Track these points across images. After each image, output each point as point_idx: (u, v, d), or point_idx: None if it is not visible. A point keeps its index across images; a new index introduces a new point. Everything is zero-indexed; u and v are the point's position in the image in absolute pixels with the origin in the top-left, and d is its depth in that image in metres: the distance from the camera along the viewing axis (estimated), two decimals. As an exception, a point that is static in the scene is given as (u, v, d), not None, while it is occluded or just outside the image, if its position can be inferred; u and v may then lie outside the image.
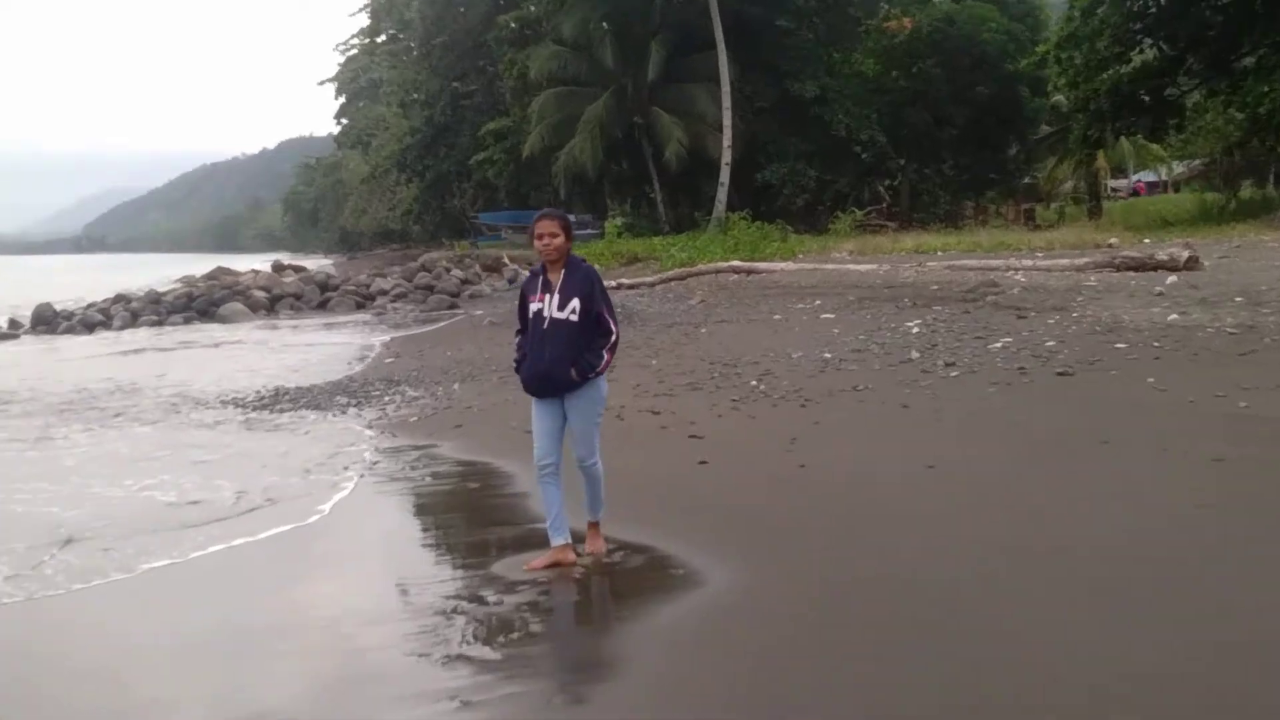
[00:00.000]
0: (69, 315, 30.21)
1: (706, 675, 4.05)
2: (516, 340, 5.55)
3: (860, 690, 3.81)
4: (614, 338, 5.33)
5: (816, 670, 4.01)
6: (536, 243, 5.29)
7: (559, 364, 5.21)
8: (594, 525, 5.52)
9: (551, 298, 5.25)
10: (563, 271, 5.27)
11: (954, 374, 9.92)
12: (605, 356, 5.28)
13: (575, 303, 5.20)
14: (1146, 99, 29.69)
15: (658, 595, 4.91)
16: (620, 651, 4.38)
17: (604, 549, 5.46)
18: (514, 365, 5.59)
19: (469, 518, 6.69)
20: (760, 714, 3.69)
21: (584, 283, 5.26)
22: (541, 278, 5.34)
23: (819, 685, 3.87)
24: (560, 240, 5.25)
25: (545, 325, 5.26)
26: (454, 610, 4.91)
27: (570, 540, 5.37)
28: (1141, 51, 30.12)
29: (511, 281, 34.72)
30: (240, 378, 14.89)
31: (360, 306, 31.13)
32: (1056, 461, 6.72)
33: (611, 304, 5.40)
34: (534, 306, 5.33)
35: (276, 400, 12.22)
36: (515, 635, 4.59)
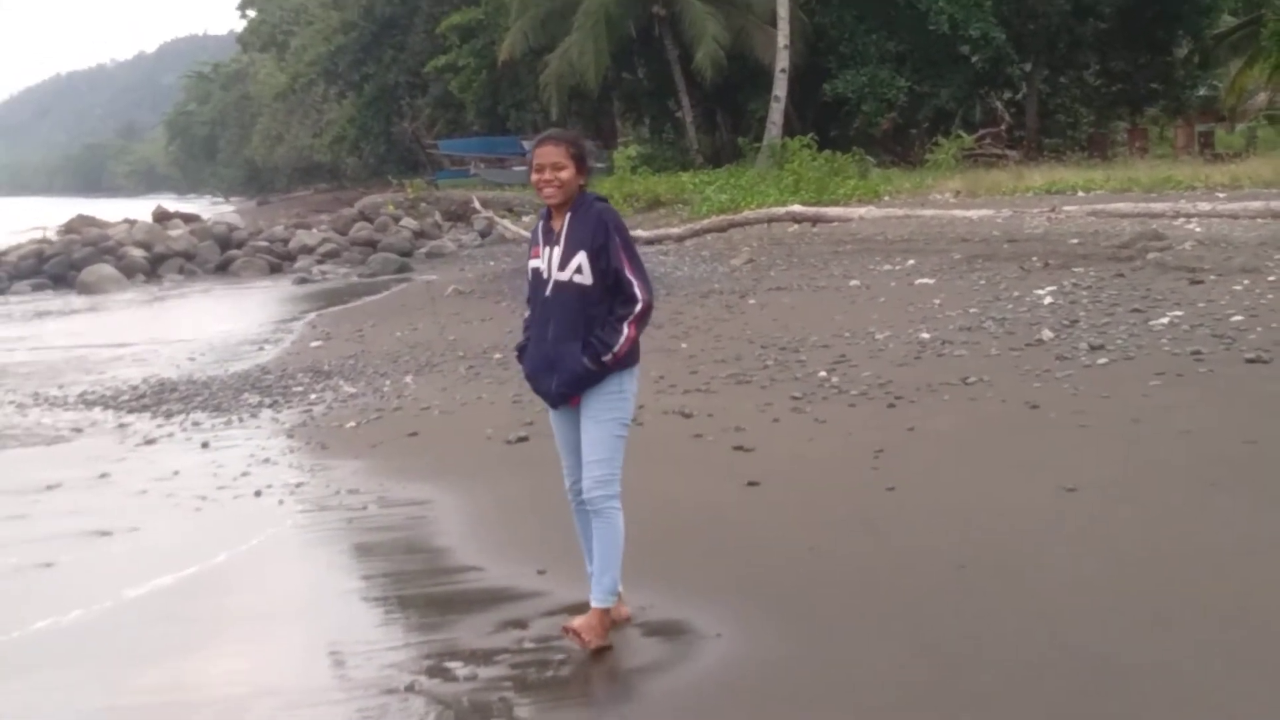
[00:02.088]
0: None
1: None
2: (526, 316, 5.46)
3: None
4: (639, 307, 5.10)
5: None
6: (534, 177, 5.16)
7: (564, 346, 5.09)
8: (598, 611, 5.15)
9: (553, 252, 5.16)
10: (568, 216, 5.16)
11: (1102, 361, 9.86)
12: (627, 331, 5.06)
13: (581, 258, 5.08)
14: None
15: (682, 665, 4.89)
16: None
17: (594, 638, 5.08)
18: (516, 351, 5.55)
19: (427, 562, 6.66)
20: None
21: (594, 229, 5.10)
22: (543, 224, 5.29)
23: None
24: (568, 173, 5.09)
25: (546, 292, 5.19)
26: (409, 688, 4.90)
27: (619, 590, 5.24)
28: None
29: (484, 235, 34.76)
30: (112, 368, 14.94)
31: (275, 269, 31.29)
32: (1250, 486, 6.66)
33: (638, 258, 5.20)
34: (534, 264, 5.28)
35: (161, 399, 12.25)
36: (494, 724, 4.59)
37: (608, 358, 5.03)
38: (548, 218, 5.26)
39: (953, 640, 4.96)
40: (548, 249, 5.18)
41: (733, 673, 4.85)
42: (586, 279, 5.06)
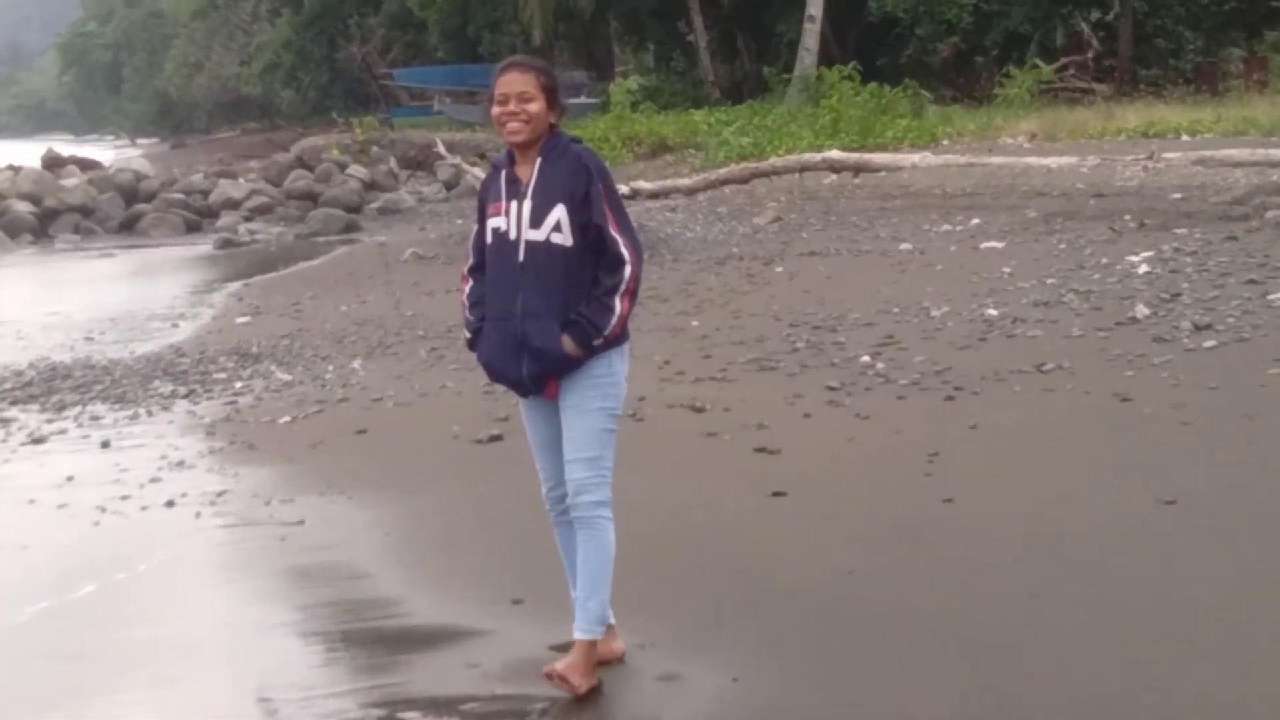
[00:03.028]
0: None
1: None
2: (467, 285, 5.38)
3: None
4: (629, 272, 5.02)
5: None
6: (496, 110, 5.07)
7: (537, 322, 5.01)
8: (583, 643, 5.11)
9: (521, 207, 5.07)
10: (538, 161, 5.09)
11: (1209, 344, 9.86)
12: (619, 307, 5.01)
13: (560, 212, 4.99)
14: None
15: (692, 716, 4.89)
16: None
17: (579, 681, 5.03)
18: (465, 332, 5.44)
19: (378, 589, 6.62)
20: None
21: (572, 175, 5.04)
22: (505, 173, 5.20)
23: None
24: (537, 106, 5.01)
25: (515, 255, 5.08)
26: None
27: (611, 620, 5.21)
28: None
29: (450, 187, 34.75)
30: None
31: (194, 228, 31.34)
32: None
33: (625, 213, 5.15)
34: (493, 223, 5.17)
35: (52, 388, 12.26)
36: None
37: (598, 341, 4.98)
38: (510, 164, 5.17)
39: (1020, 682, 4.96)
40: (512, 204, 5.07)
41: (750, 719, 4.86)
42: (567, 239, 4.98)
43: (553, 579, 5.39)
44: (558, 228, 4.97)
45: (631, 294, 5.04)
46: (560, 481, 5.16)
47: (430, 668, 5.50)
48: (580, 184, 4.99)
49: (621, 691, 5.17)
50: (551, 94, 5.06)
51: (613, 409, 5.14)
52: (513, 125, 5.00)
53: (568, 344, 4.95)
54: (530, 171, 5.06)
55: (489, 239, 5.17)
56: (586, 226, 4.99)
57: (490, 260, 5.19)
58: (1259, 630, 5.25)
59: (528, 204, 5.02)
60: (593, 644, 5.10)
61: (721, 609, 5.86)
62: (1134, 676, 4.94)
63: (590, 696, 5.03)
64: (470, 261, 5.37)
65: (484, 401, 9.87)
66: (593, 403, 5.06)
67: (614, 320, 4.98)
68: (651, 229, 20.26)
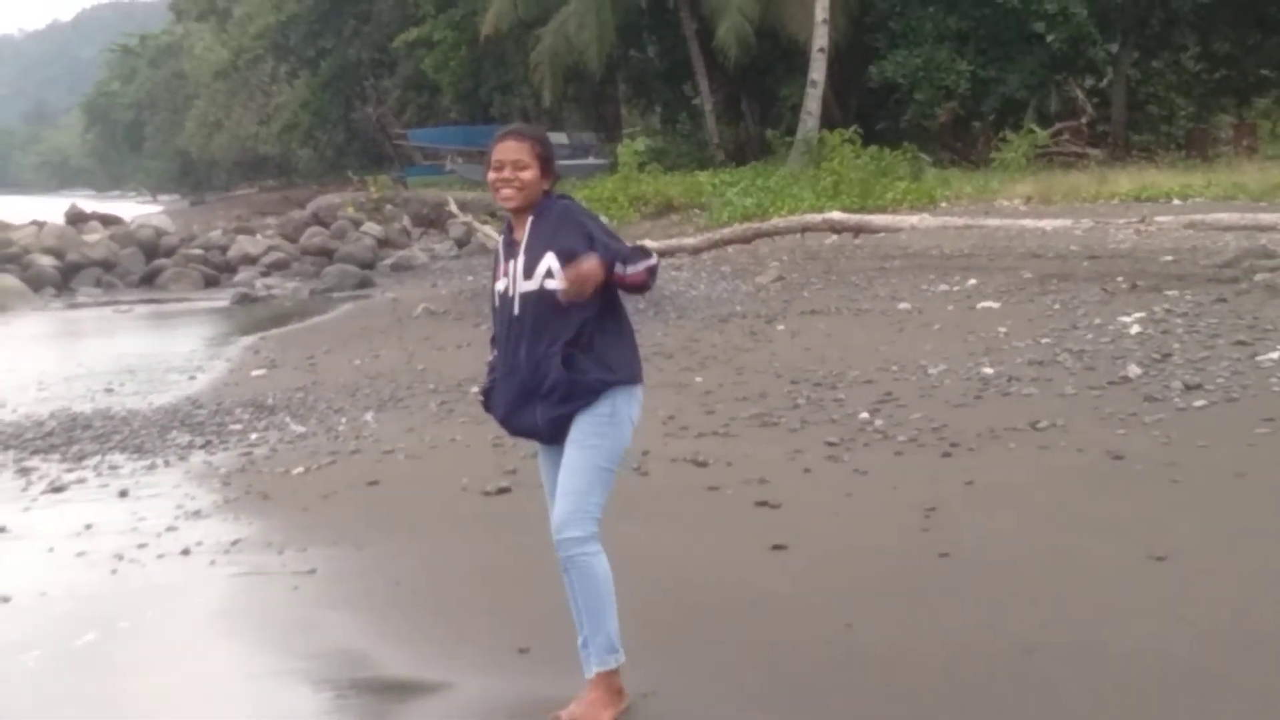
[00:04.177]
0: None
1: None
2: (490, 358, 5.42)
3: None
4: (654, 259, 5.04)
5: None
6: (491, 176, 5.15)
7: (543, 363, 5.03)
8: (601, 676, 5.11)
9: (516, 264, 5.15)
10: (529, 221, 5.15)
11: (1199, 404, 9.86)
12: (642, 265, 4.96)
13: (550, 259, 5.01)
14: None
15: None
16: None
17: (606, 715, 5.04)
18: (480, 395, 5.48)
19: (388, 638, 6.59)
20: None
21: (558, 224, 5.09)
22: (505, 238, 5.31)
23: None
24: (530, 174, 5.10)
25: (512, 310, 5.14)
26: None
27: (618, 663, 5.15)
28: None
29: (462, 244, 34.83)
30: (13, 399, 14.96)
31: (212, 283, 31.41)
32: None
33: (617, 240, 5.10)
34: (497, 287, 5.26)
35: (72, 438, 12.26)
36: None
37: (619, 269, 4.93)
38: (509, 231, 5.26)
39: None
40: (510, 263, 5.17)
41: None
42: (560, 283, 4.94)
43: (559, 628, 5.37)
44: (549, 274, 5.00)
45: (652, 273, 5.01)
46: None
47: (438, 715, 5.49)
48: (567, 231, 5.05)
49: (624, 737, 5.17)
50: (546, 162, 5.14)
51: (611, 449, 5.09)
52: (506, 191, 5.09)
53: (590, 260, 4.87)
54: (524, 231, 5.14)
55: (496, 302, 5.25)
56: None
57: (496, 321, 5.27)
58: (1247, 686, 5.25)
59: (521, 260, 5.10)
60: (611, 674, 5.08)
61: (724, 659, 5.84)
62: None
63: None
64: (492, 330, 5.41)
65: (493, 455, 9.87)
66: (590, 439, 5.04)
67: (641, 265, 4.97)
68: (657, 287, 20.22)
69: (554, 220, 5.10)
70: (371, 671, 6.09)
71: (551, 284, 4.99)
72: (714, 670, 5.72)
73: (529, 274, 5.07)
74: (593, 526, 5.03)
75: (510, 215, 5.22)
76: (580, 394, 5.02)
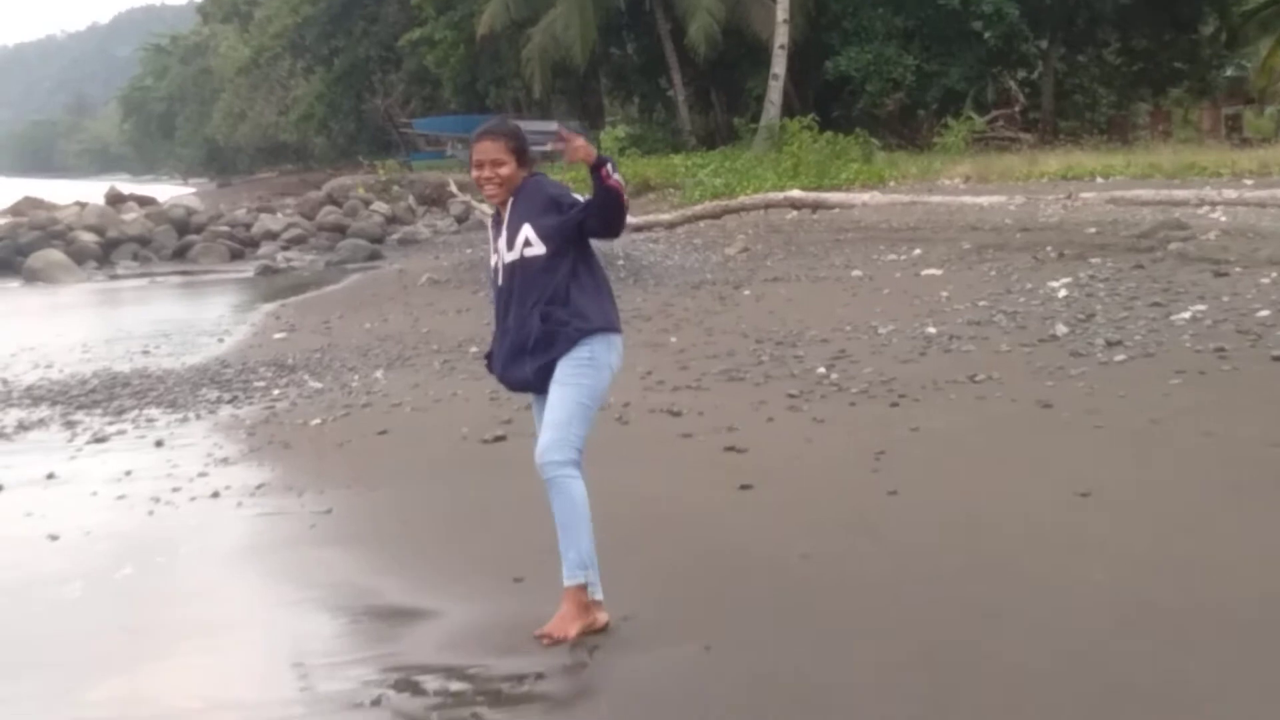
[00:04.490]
0: None
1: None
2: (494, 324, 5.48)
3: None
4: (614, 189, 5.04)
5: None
6: (474, 174, 5.22)
7: (529, 322, 5.11)
8: (570, 591, 5.18)
9: (501, 239, 5.23)
10: (510, 201, 5.21)
11: (1120, 359, 9.88)
12: (621, 187, 5.05)
13: (526, 230, 5.10)
14: None
15: (669, 680, 4.88)
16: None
17: (567, 633, 5.12)
18: (484, 357, 5.56)
19: (396, 569, 6.58)
20: None
21: (530, 197, 5.16)
22: (494, 217, 5.36)
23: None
24: (508, 169, 5.14)
25: (501, 279, 5.23)
26: (375, 702, 4.89)
27: (597, 597, 5.23)
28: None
29: (461, 221, 34.72)
30: (60, 360, 14.90)
31: (237, 256, 31.28)
32: (1275, 488, 6.68)
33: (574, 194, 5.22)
34: (491, 261, 5.33)
35: (113, 394, 12.22)
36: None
37: (604, 169, 4.97)
38: (497, 211, 5.31)
39: (953, 649, 4.95)
40: (499, 241, 5.24)
41: (723, 687, 4.84)
42: (538, 249, 5.07)
43: (550, 560, 5.36)
44: (528, 243, 5.08)
45: (622, 194, 5.08)
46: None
47: (440, 637, 5.46)
48: (538, 200, 5.14)
49: (606, 659, 5.14)
50: (520, 154, 5.19)
51: (591, 388, 5.13)
52: (489, 189, 5.19)
53: (580, 142, 5.01)
54: (507, 211, 5.20)
55: (492, 275, 5.33)
56: (556, 229, 5.07)
57: (494, 293, 5.33)
58: (1159, 608, 5.26)
59: (504, 236, 5.17)
60: (580, 589, 5.13)
61: (696, 586, 5.84)
62: (1050, 647, 4.94)
63: (592, 635, 5.15)
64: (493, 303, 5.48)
65: (490, 407, 9.85)
66: (570, 379, 5.07)
67: (618, 181, 5.04)
68: (636, 258, 20.25)
69: (527, 197, 5.15)
70: (381, 599, 6.08)
71: (530, 251, 5.07)
72: (687, 597, 5.72)
73: (510, 246, 5.14)
74: (573, 454, 5.07)
75: (494, 201, 5.28)
76: (560, 342, 5.06)
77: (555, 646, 5.10)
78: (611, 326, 5.20)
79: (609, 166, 4.98)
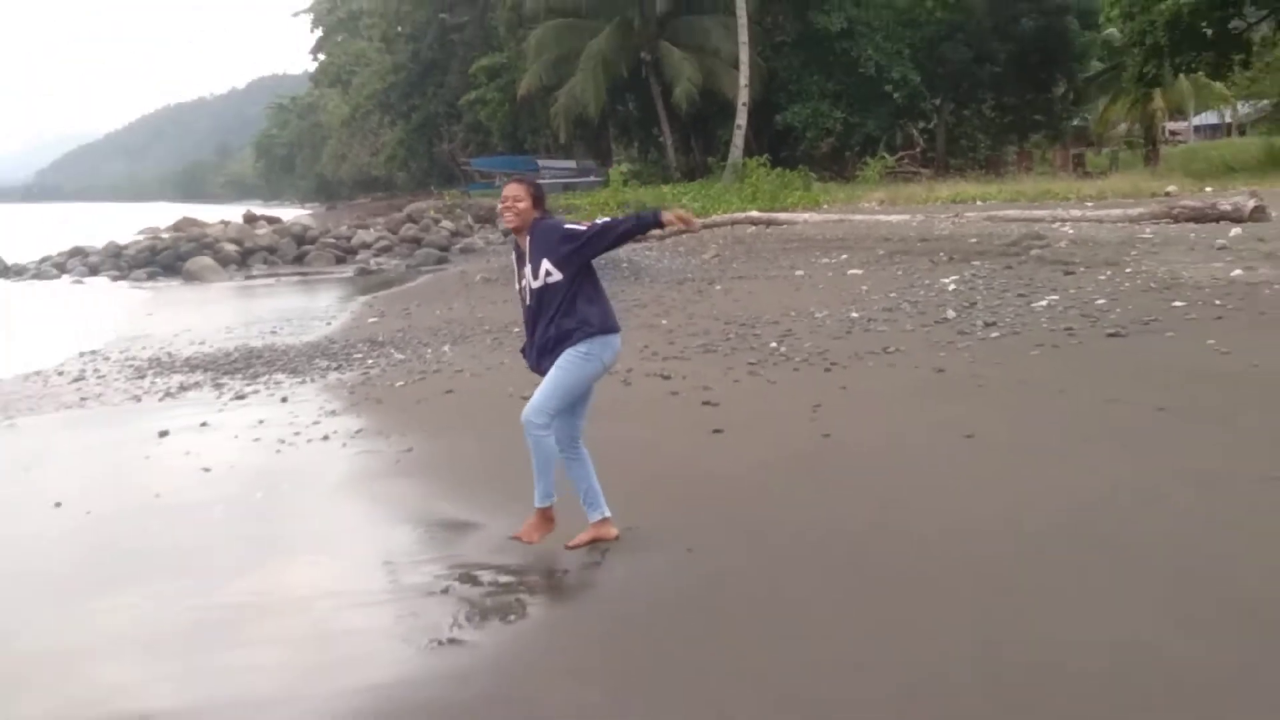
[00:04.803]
0: (21, 269, 30.25)
1: (722, 663, 4.03)
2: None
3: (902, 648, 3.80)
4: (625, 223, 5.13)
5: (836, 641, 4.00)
6: (500, 206, 5.27)
7: (551, 330, 5.13)
8: (538, 510, 5.29)
9: (526, 269, 5.21)
10: (528, 238, 5.18)
11: (994, 335, 9.87)
12: (632, 221, 5.13)
13: (546, 263, 5.09)
14: (1209, 32, 29.15)
15: (661, 574, 4.89)
16: (617, 631, 4.36)
17: (533, 538, 5.27)
18: (522, 351, 5.53)
19: (459, 494, 6.57)
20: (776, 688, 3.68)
21: (545, 237, 5.14)
22: (515, 252, 5.33)
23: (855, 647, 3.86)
24: (524, 206, 5.15)
25: (530, 300, 5.23)
26: (445, 591, 4.89)
27: (607, 514, 5.34)
28: (1205, -22, 29.70)
29: (506, 235, 34.62)
30: (210, 338, 14.90)
31: (340, 261, 31.18)
32: (1108, 432, 6.67)
33: (584, 226, 5.18)
34: (519, 284, 5.31)
35: (249, 363, 12.23)
36: (512, 617, 4.58)
37: (584, 333, 5.08)
38: (516, 247, 5.29)
39: (873, 553, 4.98)
40: (524, 269, 5.21)
41: (700, 577, 4.85)
42: (556, 275, 5.08)
43: (568, 491, 5.36)
44: (549, 273, 5.08)
45: (624, 222, 5.13)
46: (561, 429, 5.25)
47: (489, 544, 5.47)
48: (551, 238, 5.11)
49: (614, 558, 5.16)
50: (537, 199, 5.21)
51: (576, 375, 5.13)
52: (508, 215, 5.18)
53: (694, 223, 5.28)
54: (525, 244, 5.18)
55: (520, 295, 5.32)
56: (568, 257, 5.06)
57: (523, 309, 5.33)
58: (1024, 526, 5.27)
59: (529, 266, 5.17)
60: (544, 510, 5.27)
61: (680, 505, 5.86)
62: (948, 549, 4.95)
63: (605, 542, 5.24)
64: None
65: (529, 374, 9.78)
66: (564, 363, 5.10)
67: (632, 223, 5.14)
68: (636, 261, 20.25)
69: (542, 236, 5.13)
70: (446, 516, 6.08)
71: (551, 279, 5.09)
72: (674, 513, 5.74)
73: (535, 275, 5.13)
74: (546, 419, 5.09)
75: (514, 235, 5.25)
76: (563, 339, 5.10)
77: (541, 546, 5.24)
78: (609, 328, 5.19)
79: (610, 222, 5.13)
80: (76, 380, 11.98)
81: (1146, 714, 3.50)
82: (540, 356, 5.22)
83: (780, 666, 3.99)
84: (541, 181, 31.73)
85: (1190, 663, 3.78)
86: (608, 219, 5.16)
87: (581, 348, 5.09)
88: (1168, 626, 4.05)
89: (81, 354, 14.09)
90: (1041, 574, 4.63)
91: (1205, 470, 5.84)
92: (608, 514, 5.34)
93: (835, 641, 4.16)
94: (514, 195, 5.16)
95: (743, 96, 37.89)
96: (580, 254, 5.08)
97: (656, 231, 5.19)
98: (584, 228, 5.10)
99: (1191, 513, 5.23)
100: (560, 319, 5.10)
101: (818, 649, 4.10)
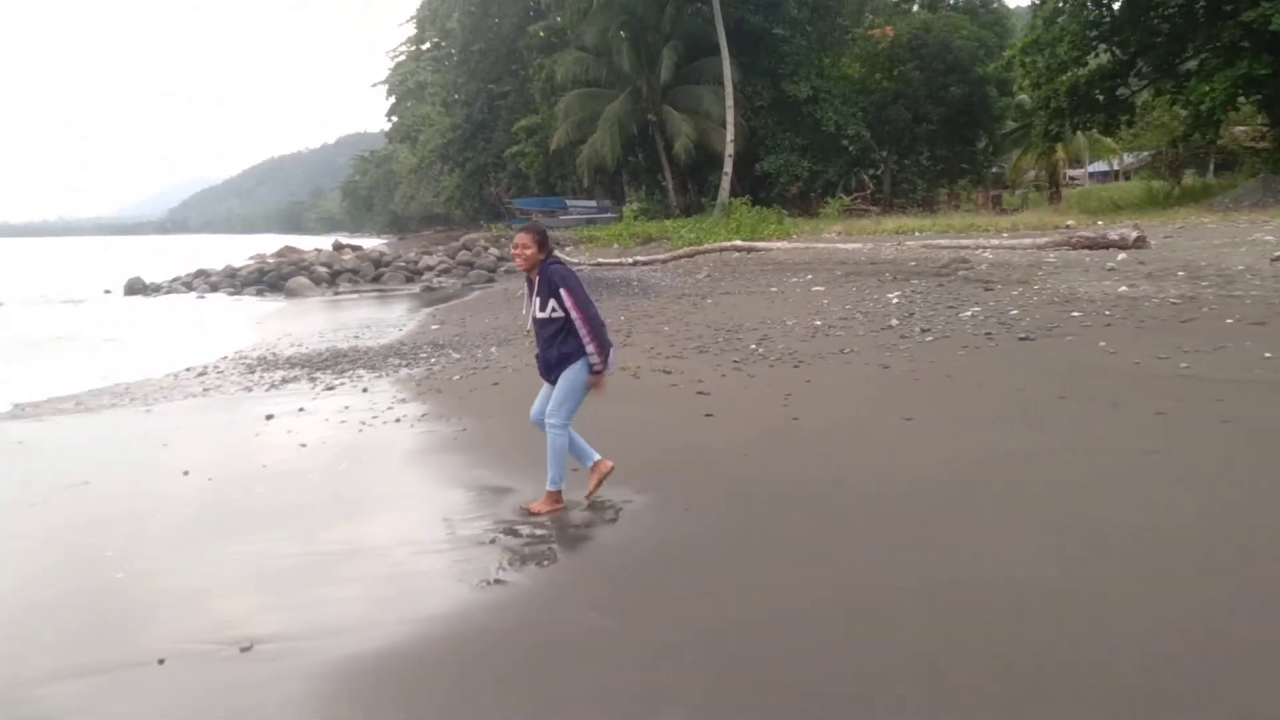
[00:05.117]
0: (157, 287, 30.35)
1: (710, 595, 4.03)
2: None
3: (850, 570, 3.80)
4: (587, 341, 5.09)
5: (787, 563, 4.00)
6: (512, 250, 5.27)
7: (552, 352, 5.22)
8: (548, 492, 5.31)
9: (534, 301, 5.23)
10: (537, 277, 5.21)
11: (929, 339, 9.85)
12: (591, 348, 5.10)
13: (552, 303, 5.14)
14: (1101, 98, 29.26)
15: (663, 526, 4.90)
16: (627, 572, 4.37)
17: (545, 511, 5.25)
18: (535, 358, 5.58)
19: (503, 465, 6.56)
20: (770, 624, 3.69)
21: (549, 284, 5.14)
22: (528, 279, 5.34)
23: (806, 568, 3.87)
24: (531, 251, 5.17)
25: (530, 326, 5.30)
26: (492, 541, 4.91)
27: (558, 487, 5.36)
28: (1097, 56, 29.71)
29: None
30: (307, 341, 14.93)
31: (409, 280, 31.16)
32: (1019, 414, 6.66)
33: (584, 297, 5.13)
34: (526, 310, 5.36)
35: (337, 361, 12.25)
36: (545, 562, 4.59)
37: (594, 361, 5.15)
38: (528, 282, 5.32)
39: (830, 505, 4.98)
40: (534, 299, 5.24)
41: (697, 529, 4.86)
42: (558, 313, 5.13)
43: (582, 466, 5.37)
44: (554, 309, 5.13)
45: (595, 340, 5.12)
46: (541, 415, 5.40)
47: (514, 500, 5.48)
48: (552, 290, 5.13)
49: (627, 515, 5.17)
50: (542, 244, 5.23)
51: (575, 388, 5.22)
52: (518, 260, 5.23)
53: (557, 355, 5.20)
54: (534, 282, 5.23)
55: (528, 321, 5.36)
56: (562, 308, 5.13)
57: (531, 327, 5.37)
58: (959, 493, 5.27)
59: (536, 299, 5.21)
60: (553, 492, 5.30)
61: (679, 473, 5.86)
62: (888, 508, 4.95)
63: (622, 502, 5.21)
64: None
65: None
66: (565, 381, 5.21)
67: (592, 350, 5.12)
68: (644, 280, 20.22)
69: (548, 279, 5.14)
70: (491, 482, 6.09)
71: (555, 314, 5.13)
72: (674, 479, 5.74)
73: (542, 309, 5.17)
74: (563, 420, 5.24)
75: (524, 272, 5.29)
76: (564, 360, 5.18)
77: (563, 511, 5.27)
78: (587, 356, 5.20)
79: (594, 362, 5.15)
80: (200, 375, 12.02)
81: (1031, 617, 3.53)
82: (548, 370, 5.29)
83: (757, 593, 4.02)
84: (567, 216, 31.99)
85: (1066, 578, 3.80)
86: (594, 316, 5.14)
87: (577, 364, 5.18)
88: (1047, 555, 4.07)
89: (210, 356, 14.14)
90: (960, 518, 4.65)
91: (1093, 441, 5.87)
92: (598, 456, 5.42)
93: (801, 572, 4.18)
94: (522, 243, 5.19)
95: (729, 149, 37.85)
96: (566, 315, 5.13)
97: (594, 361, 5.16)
98: (571, 303, 5.08)
99: (1079, 472, 5.26)
100: (561, 345, 5.17)
101: (787, 578, 4.12)
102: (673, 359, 10.08)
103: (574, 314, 5.09)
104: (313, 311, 22.66)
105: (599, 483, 5.37)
